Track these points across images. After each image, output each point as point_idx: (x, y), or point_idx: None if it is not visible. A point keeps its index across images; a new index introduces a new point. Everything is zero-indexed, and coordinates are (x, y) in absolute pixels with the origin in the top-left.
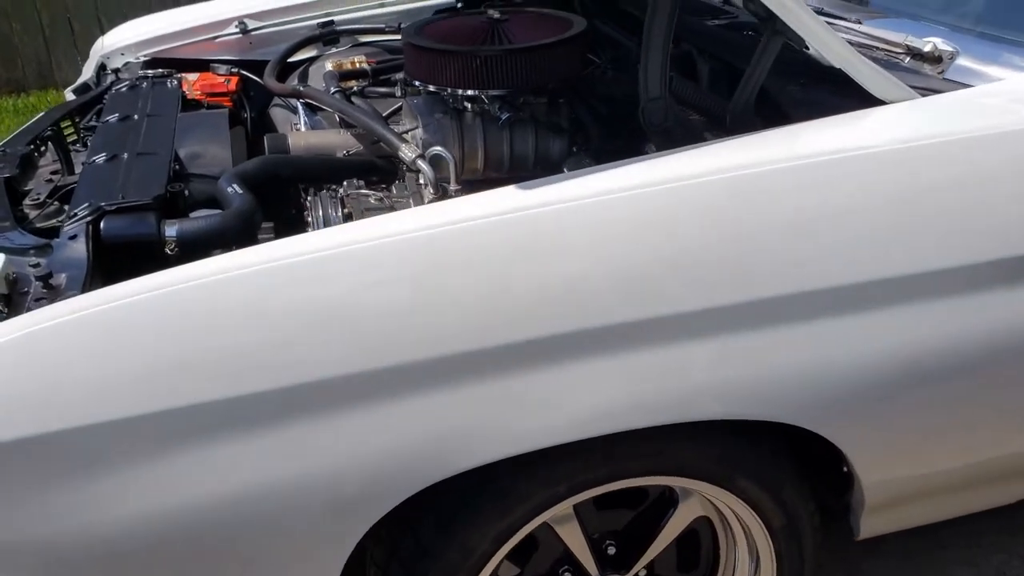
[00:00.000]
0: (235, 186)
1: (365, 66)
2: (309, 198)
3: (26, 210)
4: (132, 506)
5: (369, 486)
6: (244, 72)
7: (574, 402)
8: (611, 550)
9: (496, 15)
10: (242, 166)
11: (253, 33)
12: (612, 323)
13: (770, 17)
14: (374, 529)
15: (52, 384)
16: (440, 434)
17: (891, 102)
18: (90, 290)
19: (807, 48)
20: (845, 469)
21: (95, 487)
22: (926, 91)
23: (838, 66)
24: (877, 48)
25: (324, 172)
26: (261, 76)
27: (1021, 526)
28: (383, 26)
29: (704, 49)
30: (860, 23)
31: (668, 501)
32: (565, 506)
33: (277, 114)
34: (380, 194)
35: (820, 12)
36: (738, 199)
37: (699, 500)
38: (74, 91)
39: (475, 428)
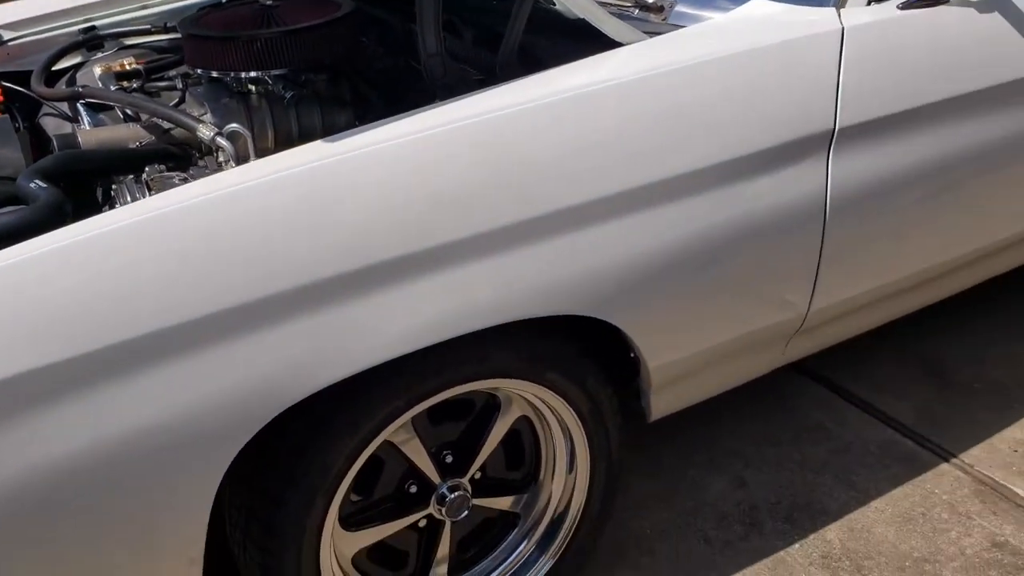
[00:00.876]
0: (37, 182)
1: (137, 67)
2: (114, 187)
3: None
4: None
5: (227, 418)
6: (7, 84)
7: (402, 319)
8: (448, 459)
9: (268, 2)
10: (39, 163)
11: (10, 44)
12: (429, 246)
13: None
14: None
15: None
16: (288, 362)
17: (628, 44)
18: None
19: (554, 3)
20: (632, 355)
21: None
22: (653, 34)
23: (581, 15)
24: (610, 4)
25: (122, 163)
26: (24, 87)
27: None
28: (148, 27)
29: (466, 17)
30: None
31: (492, 408)
32: (404, 421)
33: (49, 123)
34: (183, 175)
35: None
36: (519, 131)
37: (518, 402)
38: None
39: (319, 353)
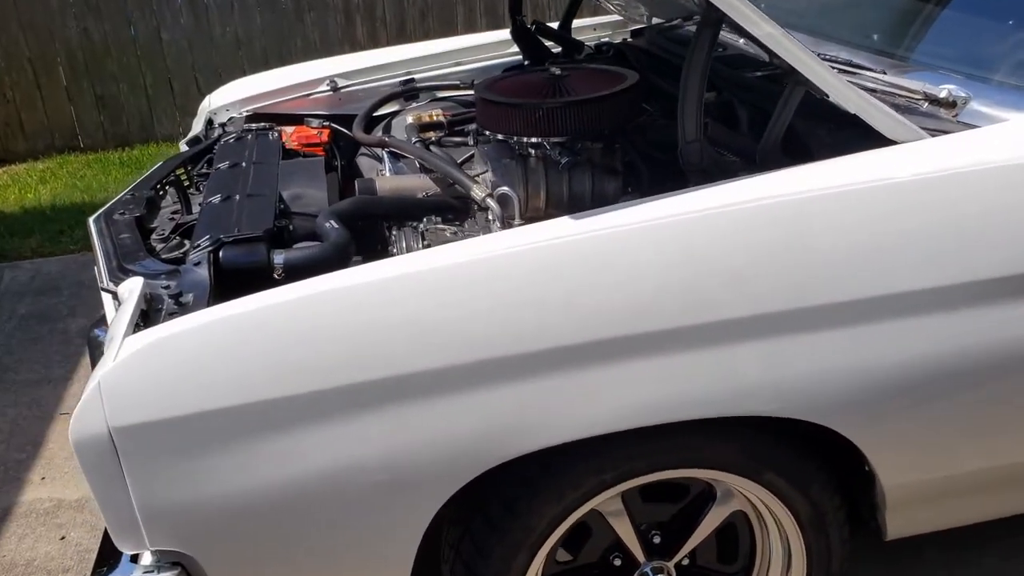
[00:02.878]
0: (332, 222)
1: (441, 119)
2: (394, 232)
3: (154, 243)
4: (248, 478)
5: (441, 466)
6: (335, 125)
7: (615, 398)
8: (656, 539)
9: (557, 71)
10: (337, 205)
11: (342, 91)
12: (656, 329)
13: (792, 71)
14: (450, 511)
15: (190, 375)
16: (498, 424)
17: (902, 142)
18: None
19: (828, 96)
20: (867, 468)
21: (223, 460)
22: (937, 132)
23: (853, 111)
24: (898, 95)
25: (407, 211)
26: (350, 128)
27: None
28: (458, 83)
29: (745, 99)
30: (884, 73)
31: (708, 496)
32: (613, 494)
33: (363, 162)
34: (455, 228)
35: (849, 63)
36: (773, 224)
37: (736, 496)
38: (187, 143)
39: (528, 419)
